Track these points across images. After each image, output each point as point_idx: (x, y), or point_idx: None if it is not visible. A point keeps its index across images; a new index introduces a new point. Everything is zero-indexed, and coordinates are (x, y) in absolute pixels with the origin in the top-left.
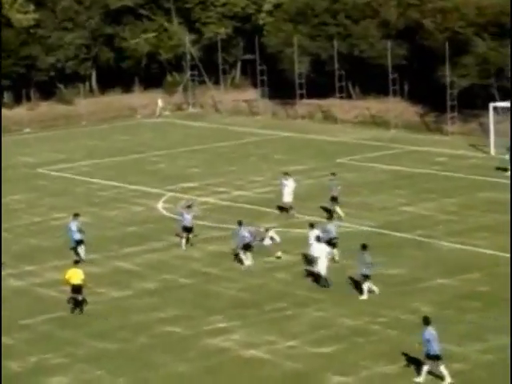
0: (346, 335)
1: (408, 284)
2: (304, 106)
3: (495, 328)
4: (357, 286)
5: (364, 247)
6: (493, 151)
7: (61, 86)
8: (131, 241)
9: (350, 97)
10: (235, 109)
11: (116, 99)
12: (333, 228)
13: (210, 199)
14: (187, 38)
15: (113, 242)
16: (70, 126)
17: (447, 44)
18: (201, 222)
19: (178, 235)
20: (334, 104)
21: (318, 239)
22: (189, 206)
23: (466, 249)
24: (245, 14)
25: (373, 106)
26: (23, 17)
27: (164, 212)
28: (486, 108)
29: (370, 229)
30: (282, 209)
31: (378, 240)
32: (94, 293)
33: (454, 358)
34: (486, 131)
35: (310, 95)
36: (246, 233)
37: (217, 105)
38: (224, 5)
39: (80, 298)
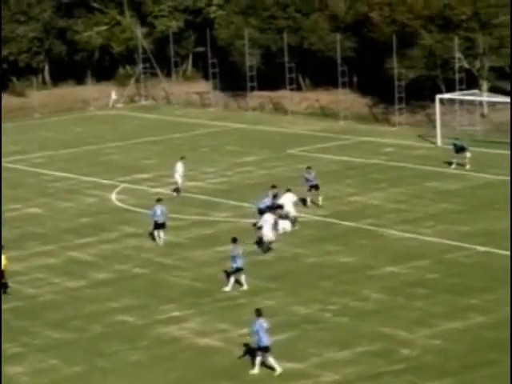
0: (298, 323)
1: (358, 272)
2: (255, 97)
3: (442, 314)
4: (309, 274)
5: (234, 240)
6: (439, 142)
7: (13, 78)
8: (85, 231)
9: (300, 89)
10: (187, 101)
11: (69, 91)
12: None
13: (163, 190)
14: (139, 31)
15: (67, 233)
16: (23, 118)
17: (394, 36)
18: None
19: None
20: (285, 96)
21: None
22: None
23: (414, 237)
24: (196, 8)
25: (322, 97)
26: None
27: (117, 203)
28: (433, 99)
29: (321, 218)
30: (178, 190)
31: (328, 229)
32: (49, 283)
33: (403, 343)
34: (432, 122)
35: (261, 87)
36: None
37: (169, 97)
38: None
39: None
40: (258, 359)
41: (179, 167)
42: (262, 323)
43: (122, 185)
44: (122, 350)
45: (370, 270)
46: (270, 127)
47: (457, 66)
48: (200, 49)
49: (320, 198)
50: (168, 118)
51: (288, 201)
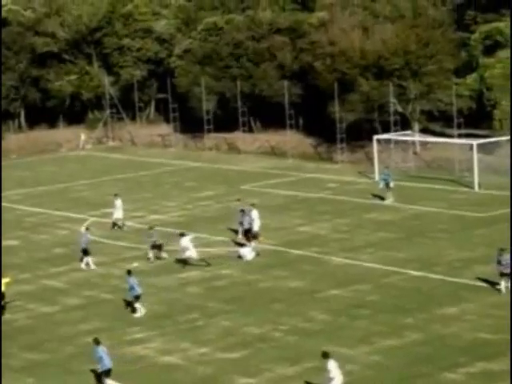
0: (252, 342)
1: (305, 295)
2: (211, 139)
3: (381, 332)
4: (261, 298)
5: (129, 272)
6: (377, 177)
7: None
8: (58, 261)
9: (251, 130)
10: (150, 142)
11: (43, 134)
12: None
13: (129, 223)
14: (106, 79)
15: (41, 263)
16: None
17: (336, 83)
18: (120, 243)
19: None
20: (238, 137)
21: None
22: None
23: (355, 263)
24: (158, 58)
25: (272, 138)
26: None
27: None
28: (371, 139)
29: (271, 247)
30: (115, 224)
31: (278, 257)
32: (24, 309)
33: (346, 359)
34: (370, 160)
35: (217, 129)
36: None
37: (133, 139)
38: (139, 50)
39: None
40: (109, 382)
41: (118, 204)
42: (103, 349)
43: (92, 218)
44: (92, 368)
45: (316, 294)
46: (225, 165)
47: (391, 109)
48: (162, 95)
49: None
50: (133, 158)
51: (256, 217)
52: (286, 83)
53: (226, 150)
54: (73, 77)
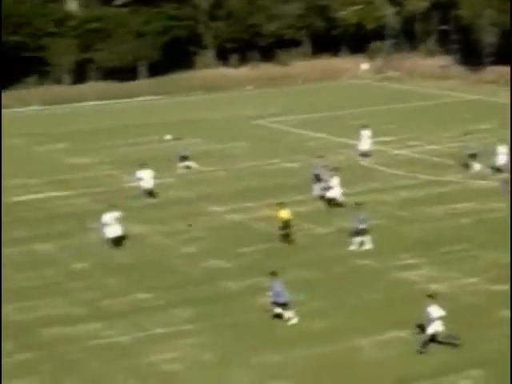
0: None
1: None
2: (492, 71)
3: None
4: None
5: (357, 204)
6: None
7: (279, 50)
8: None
9: None
10: (430, 73)
11: (325, 62)
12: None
13: (404, 151)
14: (390, 10)
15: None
16: (284, 85)
17: None
18: (395, 171)
19: None
20: None
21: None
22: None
23: None
24: None
25: None
26: None
27: (362, 162)
28: None
29: None
30: (364, 155)
31: None
32: (300, 229)
33: None
34: None
35: (499, 62)
36: None
37: (413, 69)
38: None
39: (287, 232)
40: (288, 313)
41: (366, 135)
42: (280, 283)
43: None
44: (360, 289)
45: None
46: (505, 99)
47: None
48: (444, 27)
49: None
50: (412, 88)
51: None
52: None
53: (505, 83)
54: (357, 7)
